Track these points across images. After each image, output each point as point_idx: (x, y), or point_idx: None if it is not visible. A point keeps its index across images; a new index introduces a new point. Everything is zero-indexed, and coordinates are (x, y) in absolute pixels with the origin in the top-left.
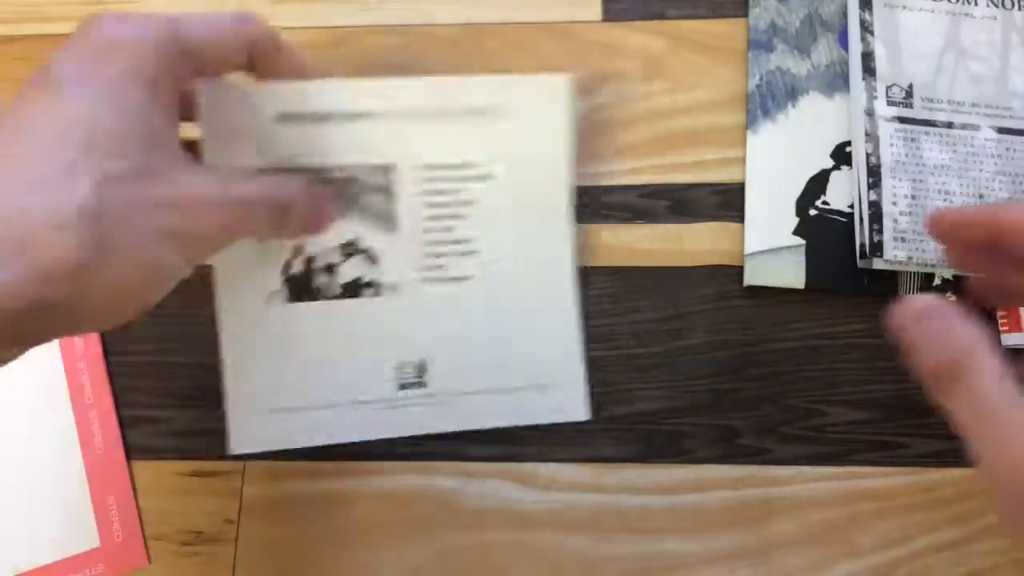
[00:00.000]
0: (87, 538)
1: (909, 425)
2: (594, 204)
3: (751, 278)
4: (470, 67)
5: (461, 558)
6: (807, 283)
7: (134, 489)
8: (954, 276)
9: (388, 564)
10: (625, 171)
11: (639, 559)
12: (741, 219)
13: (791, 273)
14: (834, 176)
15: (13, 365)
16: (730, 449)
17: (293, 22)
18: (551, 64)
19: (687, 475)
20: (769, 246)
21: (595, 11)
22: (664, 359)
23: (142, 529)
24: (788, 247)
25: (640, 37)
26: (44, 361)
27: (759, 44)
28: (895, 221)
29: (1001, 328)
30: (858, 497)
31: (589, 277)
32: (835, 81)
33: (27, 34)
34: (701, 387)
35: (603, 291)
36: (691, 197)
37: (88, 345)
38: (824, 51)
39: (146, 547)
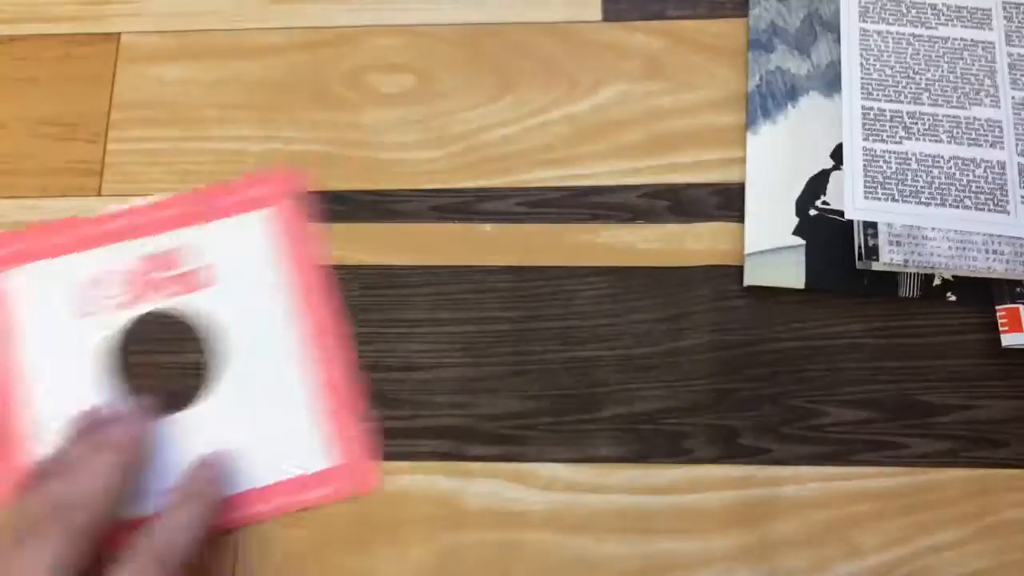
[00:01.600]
0: (319, 458)
1: (909, 425)
2: (594, 204)
3: (751, 278)
4: (470, 67)
5: (461, 558)
6: (807, 283)
7: (365, 415)
8: (954, 277)
9: (388, 564)
10: (625, 171)
11: (639, 559)
12: (741, 219)
13: (791, 273)
14: (834, 176)
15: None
16: (730, 449)
17: (293, 22)
18: (551, 64)
19: (687, 475)
20: (769, 246)
21: (595, 11)
22: (664, 359)
23: (371, 454)
24: (788, 247)
25: (640, 37)
26: (280, 304)
27: (759, 44)
28: (889, 225)
29: (1001, 328)
30: (858, 497)
31: (588, 277)
32: (835, 81)
33: (27, 34)
34: (701, 387)
35: (603, 291)
36: (691, 197)
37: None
38: (824, 51)
39: (376, 471)
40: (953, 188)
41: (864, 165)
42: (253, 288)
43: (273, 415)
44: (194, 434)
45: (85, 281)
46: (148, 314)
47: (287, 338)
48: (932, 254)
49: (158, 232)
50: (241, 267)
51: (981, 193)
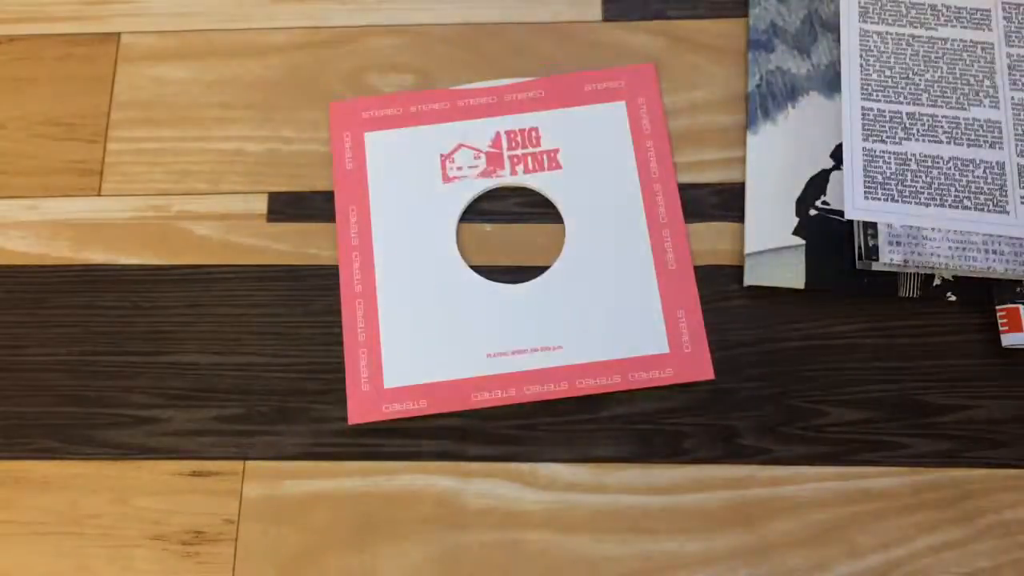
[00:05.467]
0: (657, 343)
1: (909, 425)
2: None
3: (751, 278)
4: (470, 67)
5: (461, 558)
6: (807, 283)
7: (702, 309)
8: (954, 277)
9: (388, 564)
10: None
11: (639, 559)
12: (741, 219)
13: (791, 273)
14: (834, 176)
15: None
16: (730, 449)
17: (293, 22)
18: (551, 64)
19: (687, 475)
20: (769, 246)
21: (595, 11)
22: None
23: (709, 345)
24: (788, 247)
25: (640, 37)
26: (627, 194)
27: (759, 44)
28: (889, 225)
29: (1001, 328)
30: (858, 497)
31: None
32: (835, 81)
33: (27, 34)
34: (701, 387)
35: None
36: (691, 197)
37: (665, 182)
38: (824, 51)
39: (713, 364)
40: (953, 188)
41: (864, 165)
42: (603, 174)
43: (616, 296)
44: (542, 301)
45: (449, 149)
46: (503, 187)
47: (632, 225)
48: (932, 254)
49: (518, 112)
50: (593, 153)
51: (980, 193)
